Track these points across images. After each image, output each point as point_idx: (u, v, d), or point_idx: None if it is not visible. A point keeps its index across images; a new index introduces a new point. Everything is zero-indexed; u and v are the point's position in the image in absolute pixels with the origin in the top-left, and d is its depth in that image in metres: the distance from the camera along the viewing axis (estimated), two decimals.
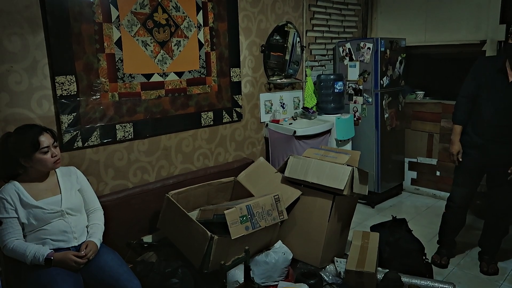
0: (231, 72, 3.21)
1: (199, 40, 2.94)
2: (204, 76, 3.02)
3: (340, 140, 3.86)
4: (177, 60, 2.82)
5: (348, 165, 2.59)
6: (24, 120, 2.16)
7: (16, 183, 1.86)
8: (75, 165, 2.41)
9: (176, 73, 2.83)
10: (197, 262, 2.36)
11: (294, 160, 2.76)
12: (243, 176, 2.99)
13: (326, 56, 4.25)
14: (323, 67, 4.23)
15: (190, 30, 2.87)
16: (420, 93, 4.38)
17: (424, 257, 2.66)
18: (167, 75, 2.79)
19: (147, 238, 2.74)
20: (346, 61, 4.07)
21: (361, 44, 3.89)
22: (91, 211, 2.09)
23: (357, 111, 4.07)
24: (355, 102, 4.08)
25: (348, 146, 3.99)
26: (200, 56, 2.97)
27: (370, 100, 3.95)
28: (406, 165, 4.48)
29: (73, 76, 2.32)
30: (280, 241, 2.66)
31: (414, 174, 4.47)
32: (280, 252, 2.57)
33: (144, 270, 2.28)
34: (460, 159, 2.77)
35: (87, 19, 2.34)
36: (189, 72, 2.92)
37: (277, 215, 2.48)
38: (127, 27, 2.52)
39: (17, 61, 2.14)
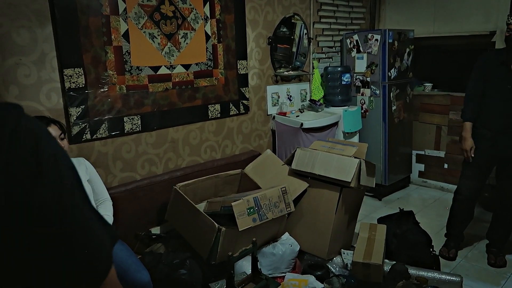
0: (238, 64, 3.20)
1: (206, 33, 2.93)
2: (211, 68, 3.01)
3: (347, 133, 3.85)
4: (184, 53, 2.82)
5: (355, 158, 2.59)
6: (34, 113, 2.18)
7: None
8: (84, 157, 2.43)
9: (183, 65, 2.83)
10: (204, 254, 2.38)
11: (301, 153, 2.76)
12: (250, 168, 3.00)
13: (334, 48, 4.23)
14: (330, 59, 4.20)
15: (197, 22, 2.87)
16: (428, 85, 4.35)
17: (431, 250, 2.66)
18: (174, 68, 2.79)
19: (155, 230, 2.77)
20: (354, 53, 4.04)
21: (369, 36, 3.86)
22: (100, 202, 2.11)
23: (364, 103, 4.05)
24: (362, 94, 4.05)
25: (356, 139, 3.97)
26: (207, 48, 2.96)
27: (377, 92, 3.92)
28: (414, 158, 4.46)
29: (81, 68, 2.34)
30: (287, 233, 2.68)
31: (421, 167, 4.45)
32: (287, 244, 2.58)
33: (153, 261, 2.31)
34: (473, 155, 2.75)
35: (94, 11, 2.34)
36: (196, 64, 2.92)
37: (284, 207, 2.49)
38: (134, 20, 2.53)
39: (25, 54, 2.15)
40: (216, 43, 3.01)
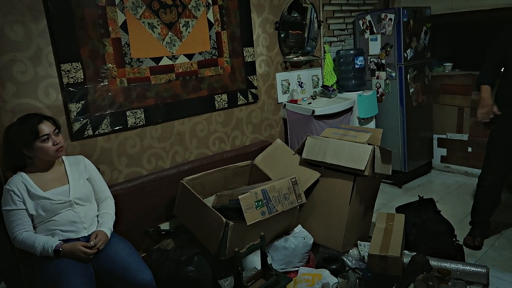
0: (244, 52, 3.08)
1: (208, 20, 2.82)
2: (215, 57, 2.90)
3: (363, 119, 3.68)
4: (186, 42, 2.72)
5: (369, 144, 2.44)
6: (32, 110, 2.12)
7: (23, 174, 1.83)
8: (87, 154, 2.38)
9: (186, 55, 2.73)
10: (213, 249, 2.30)
11: (312, 141, 2.63)
12: (260, 159, 2.90)
13: (346, 31, 4.04)
14: (343, 43, 4.03)
15: (199, 10, 2.75)
16: (448, 65, 4.11)
17: (454, 239, 2.50)
18: (177, 58, 2.69)
19: (164, 226, 2.71)
20: (367, 35, 3.85)
21: (382, 16, 3.66)
22: (101, 200, 2.05)
23: (380, 87, 3.87)
24: (377, 78, 3.87)
25: (372, 124, 3.81)
26: (210, 36, 2.85)
27: (393, 74, 3.73)
28: (435, 142, 4.25)
29: (79, 63, 2.26)
30: (300, 225, 2.57)
31: (443, 151, 4.23)
32: (299, 237, 2.47)
33: (160, 258, 2.24)
34: (499, 112, 2.55)
35: (89, 3, 2.26)
36: (200, 53, 2.81)
37: (295, 198, 2.38)
38: (132, 10, 2.43)
39: (20, 50, 2.09)
40: (220, 31, 2.90)
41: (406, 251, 2.41)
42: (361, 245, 2.52)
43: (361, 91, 3.72)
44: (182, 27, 2.68)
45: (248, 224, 2.14)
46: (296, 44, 3.63)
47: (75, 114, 2.29)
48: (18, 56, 2.09)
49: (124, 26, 2.41)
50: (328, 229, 2.54)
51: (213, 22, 2.85)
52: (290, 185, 2.37)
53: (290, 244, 2.43)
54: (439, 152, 4.25)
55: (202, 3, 2.76)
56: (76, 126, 2.30)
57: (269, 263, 2.26)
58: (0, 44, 2.03)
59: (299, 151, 2.74)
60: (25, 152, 1.82)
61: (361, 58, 3.69)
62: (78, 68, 2.26)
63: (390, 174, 2.56)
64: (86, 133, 2.35)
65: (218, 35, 2.89)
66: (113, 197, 2.31)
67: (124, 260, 1.80)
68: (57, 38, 2.18)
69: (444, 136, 4.18)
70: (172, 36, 2.64)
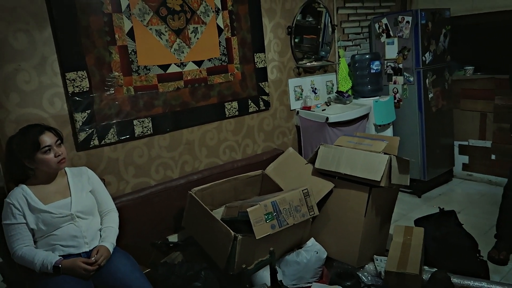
0: (255, 57, 3.00)
1: (218, 26, 2.75)
2: (225, 63, 2.83)
3: (380, 125, 3.55)
4: (195, 48, 2.65)
5: (385, 153, 2.31)
6: (37, 120, 2.07)
7: (24, 186, 1.78)
8: (93, 164, 2.33)
9: (194, 62, 2.66)
10: (222, 263, 2.21)
11: (325, 150, 2.52)
12: (271, 169, 2.80)
13: (361, 35, 3.92)
14: (358, 47, 3.90)
15: (208, 15, 2.68)
16: (470, 69, 3.94)
17: (477, 254, 2.34)
18: (185, 65, 2.62)
19: (173, 238, 2.63)
20: (383, 38, 3.72)
21: (399, 18, 3.53)
22: (104, 213, 1.98)
23: (397, 92, 3.72)
24: (395, 83, 3.73)
25: (389, 131, 3.66)
26: (220, 42, 2.78)
27: (411, 79, 3.59)
28: (456, 149, 4.07)
29: (85, 71, 2.22)
30: (312, 238, 2.45)
31: (465, 159, 4.05)
32: (312, 251, 2.36)
33: (166, 273, 2.16)
34: None
35: (95, 10, 2.21)
36: (209, 60, 2.74)
37: (307, 211, 2.27)
38: (138, 16, 2.38)
39: (24, 59, 2.06)
40: (229, 36, 2.82)
41: (426, 267, 2.27)
42: (377, 260, 2.39)
43: (378, 97, 3.58)
44: (191, 33, 2.62)
45: (257, 238, 2.04)
46: (311, 49, 3.54)
47: (80, 124, 2.24)
48: (22, 65, 2.05)
49: (131, 33, 2.36)
50: (342, 243, 2.42)
51: (222, 27, 2.77)
52: (301, 196, 2.27)
53: (302, 258, 2.32)
54: (461, 159, 4.07)
55: (211, 8, 2.69)
56: (82, 136, 2.25)
57: (279, 279, 2.15)
58: (4, 53, 2.00)
59: (312, 161, 2.63)
60: (26, 164, 1.77)
61: (377, 62, 3.57)
62: (83, 76, 2.21)
63: (408, 184, 2.43)
64: (92, 143, 2.30)
65: (228, 41, 2.82)
66: (120, 208, 2.25)
67: (126, 276, 1.72)
68: (62, 46, 2.14)
69: (466, 143, 4.00)
70: (181, 42, 2.58)
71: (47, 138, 1.77)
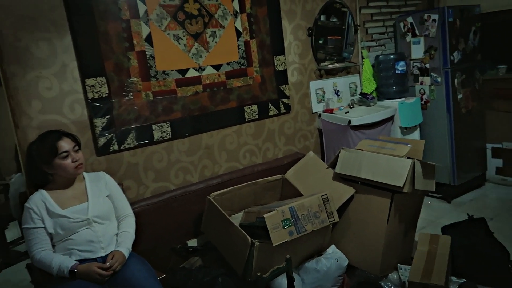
0: (275, 60, 2.96)
1: (236, 29, 2.73)
2: (244, 67, 2.80)
3: (406, 128, 3.43)
4: (213, 52, 2.64)
5: (408, 158, 2.22)
6: (58, 126, 2.11)
7: (44, 191, 1.81)
8: (113, 169, 2.35)
9: (213, 66, 2.65)
10: (239, 270, 2.18)
11: (346, 154, 2.45)
12: (291, 173, 2.75)
13: (386, 34, 3.81)
14: (383, 47, 3.79)
15: (226, 19, 2.67)
16: (502, 68, 3.75)
17: (509, 265, 2.20)
18: (204, 69, 2.62)
19: (192, 242, 2.62)
20: (409, 38, 3.59)
21: (425, 16, 3.40)
22: (121, 218, 1.99)
23: (424, 93, 3.59)
24: (421, 84, 3.59)
25: (416, 134, 3.53)
26: (238, 45, 2.75)
27: (439, 79, 3.45)
28: (489, 152, 3.87)
29: (104, 77, 2.24)
30: (333, 245, 2.39)
31: (499, 162, 3.84)
32: (332, 259, 2.29)
33: (183, 278, 2.15)
34: None
35: (113, 16, 2.24)
36: (228, 64, 2.72)
37: (326, 217, 2.20)
38: (156, 22, 2.39)
39: (45, 66, 2.10)
40: (248, 39, 2.80)
41: (453, 278, 2.16)
42: (401, 269, 2.29)
43: (403, 98, 3.46)
44: (209, 37, 2.61)
45: (274, 244, 2.00)
46: (335, 50, 3.47)
47: (100, 129, 2.27)
48: (43, 73, 2.10)
49: (148, 39, 2.37)
50: (364, 251, 2.34)
51: (241, 31, 2.75)
52: (320, 202, 2.21)
53: (322, 266, 2.25)
54: (494, 163, 3.87)
55: (229, 12, 2.68)
56: (102, 141, 2.28)
57: None
58: (26, 61, 2.04)
59: (333, 165, 2.57)
60: (45, 169, 1.80)
61: (402, 63, 3.45)
62: (102, 82, 2.24)
63: (434, 190, 2.32)
64: (111, 148, 2.32)
65: (247, 44, 2.79)
66: (139, 212, 2.27)
67: (140, 282, 1.72)
68: (82, 53, 2.17)
69: (500, 146, 3.80)
70: (199, 47, 2.57)
71: (65, 144, 1.79)
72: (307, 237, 2.17)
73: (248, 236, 2.10)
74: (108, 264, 1.73)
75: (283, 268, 1.97)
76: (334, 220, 2.22)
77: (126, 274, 1.75)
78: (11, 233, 2.48)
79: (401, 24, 3.63)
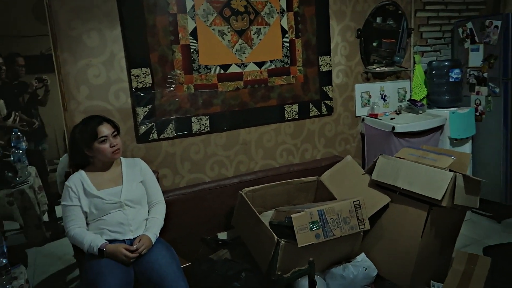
0: (320, 60, 2.91)
1: (282, 27, 2.72)
2: (287, 66, 2.79)
3: (456, 139, 3.24)
4: (257, 50, 2.65)
5: (450, 170, 2.10)
6: (102, 112, 2.23)
7: (83, 172, 1.92)
8: (152, 156, 2.44)
9: (256, 63, 2.67)
10: (264, 267, 2.17)
11: (384, 161, 2.36)
12: (327, 176, 2.70)
13: (442, 40, 3.61)
14: (438, 53, 3.60)
15: (272, 17, 2.67)
16: None
17: None
18: (246, 66, 2.64)
19: (222, 235, 2.65)
20: (467, 44, 3.38)
21: (486, 23, 3.18)
22: (153, 204, 2.05)
23: (480, 104, 3.37)
24: (477, 94, 3.37)
25: (467, 147, 3.33)
26: (283, 44, 2.74)
27: (497, 90, 3.22)
28: None
29: (148, 68, 2.33)
30: (363, 253, 2.31)
31: None
32: (360, 267, 2.22)
33: (208, 269, 2.19)
34: None
35: (161, 10, 2.32)
36: (271, 62, 2.72)
37: (356, 224, 2.14)
38: (202, 17, 2.44)
39: (95, 55, 2.22)
40: (293, 38, 2.77)
41: None
42: (433, 286, 2.17)
43: (456, 108, 3.27)
44: (253, 34, 2.62)
45: (299, 246, 1.98)
46: (389, 54, 3.35)
47: (142, 118, 2.36)
48: (93, 61, 2.22)
49: (194, 33, 2.43)
50: (395, 263, 2.25)
51: (286, 29, 2.74)
52: (352, 208, 2.14)
53: (349, 273, 2.19)
54: None
55: (276, 10, 2.67)
56: (142, 129, 2.37)
57: None
58: (78, 49, 2.18)
59: (370, 171, 2.48)
60: (85, 152, 1.91)
61: (457, 70, 3.25)
62: (147, 73, 2.33)
63: (477, 207, 2.17)
64: (151, 136, 2.41)
65: (292, 43, 2.77)
66: (173, 201, 2.33)
67: (163, 268, 1.77)
68: (129, 44, 2.27)
69: None
70: (243, 43, 2.59)
71: (105, 129, 1.89)
72: (335, 242, 2.11)
73: (274, 235, 2.09)
74: (134, 247, 1.79)
75: (305, 270, 1.94)
76: (364, 227, 2.15)
77: (150, 258, 1.81)
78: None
79: (460, 30, 3.43)
